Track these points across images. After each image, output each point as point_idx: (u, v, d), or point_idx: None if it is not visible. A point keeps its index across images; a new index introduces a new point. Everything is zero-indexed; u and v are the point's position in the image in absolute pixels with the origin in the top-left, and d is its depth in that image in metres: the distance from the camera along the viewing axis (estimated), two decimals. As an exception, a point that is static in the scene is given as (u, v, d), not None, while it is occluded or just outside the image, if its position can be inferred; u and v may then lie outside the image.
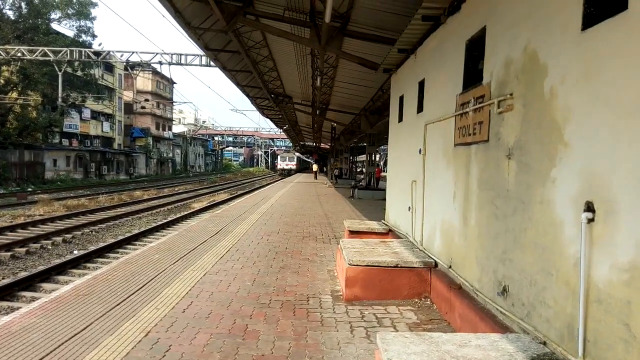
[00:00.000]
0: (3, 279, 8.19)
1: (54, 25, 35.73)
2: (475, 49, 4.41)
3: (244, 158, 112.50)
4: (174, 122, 68.52)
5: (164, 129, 61.97)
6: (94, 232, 13.26)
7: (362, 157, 47.81)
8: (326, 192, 24.29)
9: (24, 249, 10.27)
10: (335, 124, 28.22)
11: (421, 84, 6.41)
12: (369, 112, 18.61)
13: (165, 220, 15.06)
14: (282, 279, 6.02)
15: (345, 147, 38.03)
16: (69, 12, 36.04)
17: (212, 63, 20.95)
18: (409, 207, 6.69)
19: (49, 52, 26.59)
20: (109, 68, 46.26)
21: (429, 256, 5.52)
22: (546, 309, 2.87)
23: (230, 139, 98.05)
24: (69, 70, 33.54)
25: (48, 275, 8.29)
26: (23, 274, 8.32)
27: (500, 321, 3.49)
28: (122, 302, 4.84)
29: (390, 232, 7.81)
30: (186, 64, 25.35)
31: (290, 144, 75.95)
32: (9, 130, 31.72)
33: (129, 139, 52.32)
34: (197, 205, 20.17)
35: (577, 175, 2.58)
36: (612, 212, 2.29)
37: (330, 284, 5.83)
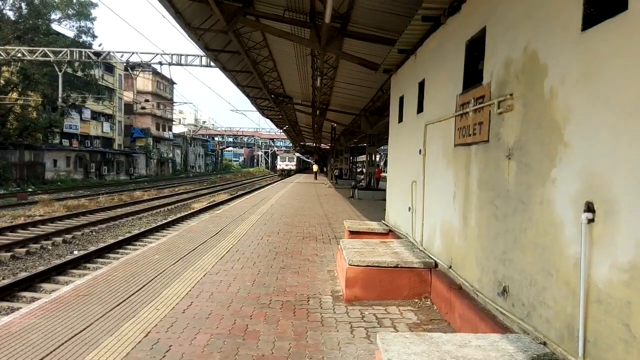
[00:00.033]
0: (3, 279, 8.19)
1: (54, 26, 35.82)
2: (475, 50, 4.41)
3: (244, 158, 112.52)
4: (174, 123, 68.55)
5: (164, 130, 61.99)
6: (94, 233, 13.26)
7: (362, 158, 47.82)
8: (326, 192, 24.29)
9: (24, 250, 10.27)
10: (335, 125, 28.23)
11: (421, 85, 6.41)
12: (369, 113, 18.62)
13: (166, 221, 15.06)
14: (282, 279, 6.02)
15: (346, 147, 38.03)
16: (69, 12, 36.07)
17: (212, 63, 20.96)
18: (409, 208, 6.69)
19: (49, 53, 26.60)
20: (109, 68, 46.30)
21: (429, 256, 5.52)
22: (546, 309, 2.87)
23: (231, 139, 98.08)
24: (69, 70, 33.55)
25: (48, 275, 8.29)
26: (23, 275, 8.33)
27: (500, 321, 3.49)
28: (122, 302, 4.84)
29: (390, 233, 7.81)
30: (186, 65, 25.37)
31: (291, 145, 75.88)
32: (9, 130, 31.74)
33: (129, 140, 52.34)
34: (197, 206, 20.17)
35: (577, 176, 2.58)
36: (612, 212, 2.29)
37: (331, 284, 5.83)
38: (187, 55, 25.32)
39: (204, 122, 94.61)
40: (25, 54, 26.67)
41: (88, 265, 9.29)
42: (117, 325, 4.19)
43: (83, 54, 27.58)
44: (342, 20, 8.85)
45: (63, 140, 39.76)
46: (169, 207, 20.56)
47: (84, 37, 37.29)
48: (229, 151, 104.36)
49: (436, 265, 5.26)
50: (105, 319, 4.32)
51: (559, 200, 2.78)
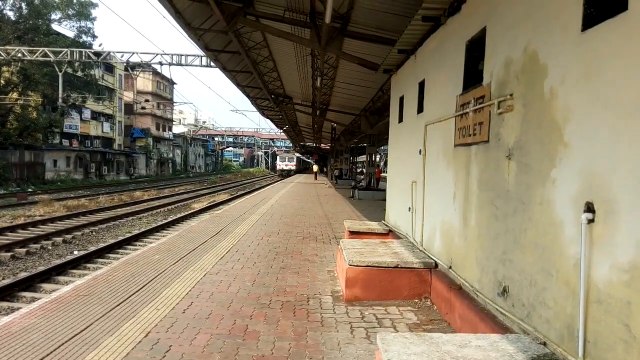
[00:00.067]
0: (3, 279, 8.19)
1: (55, 26, 35.82)
2: (475, 50, 4.41)
3: (244, 158, 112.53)
4: (174, 123, 68.56)
5: (164, 130, 62.01)
6: (94, 233, 13.26)
7: (362, 158, 47.80)
8: (326, 192, 24.29)
9: (24, 250, 10.28)
10: (335, 125, 28.23)
11: (421, 85, 6.42)
12: (369, 113, 18.63)
13: (166, 221, 15.06)
14: (282, 279, 6.02)
15: (346, 147, 38.03)
16: (69, 12, 36.09)
17: (212, 64, 20.97)
18: (409, 208, 6.69)
19: (49, 53, 26.61)
20: (109, 69, 46.31)
21: (429, 257, 5.52)
22: (546, 310, 2.87)
23: (231, 139, 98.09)
24: (70, 70, 33.56)
25: (48, 275, 8.29)
26: (23, 275, 8.33)
27: (500, 322, 3.49)
28: (122, 302, 4.84)
29: (390, 233, 7.81)
30: (186, 65, 25.36)
31: (291, 145, 75.85)
32: (10, 130, 31.75)
33: (129, 140, 52.35)
34: (197, 206, 20.17)
35: (577, 176, 2.58)
36: (612, 213, 2.29)
37: (331, 285, 5.83)
38: (187, 56, 25.33)
39: (204, 122, 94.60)
40: (26, 54, 26.68)
41: (88, 265, 9.30)
42: (117, 325, 4.19)
43: (83, 54, 27.58)
44: (342, 20, 8.86)
45: (63, 140, 39.77)
46: (169, 207, 20.56)
47: (84, 37, 37.36)
48: (229, 151, 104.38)
49: (436, 265, 5.26)
50: (106, 319, 4.32)
51: (559, 201, 2.78)
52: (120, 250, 10.64)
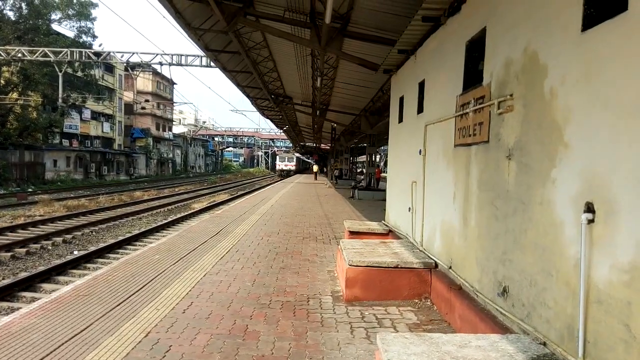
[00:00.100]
0: (3, 279, 8.19)
1: (55, 26, 35.82)
2: (476, 50, 4.41)
3: (244, 159, 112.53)
4: (174, 123, 68.56)
5: (164, 130, 62.00)
6: (94, 233, 13.26)
7: (362, 158, 47.84)
8: (326, 192, 24.29)
9: (24, 250, 10.28)
10: (335, 125, 28.24)
11: (421, 85, 6.42)
12: (369, 113, 18.64)
13: (166, 221, 15.06)
14: (282, 279, 6.02)
15: (346, 147, 38.05)
16: (69, 12, 36.09)
17: (212, 64, 20.97)
18: (409, 208, 6.69)
19: (49, 53, 26.61)
20: (109, 69, 46.31)
21: (429, 257, 5.52)
22: (546, 310, 2.87)
23: (231, 139, 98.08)
24: (70, 70, 33.57)
25: (48, 275, 8.29)
26: (23, 275, 8.33)
27: (500, 322, 3.49)
28: (122, 302, 4.84)
29: (390, 233, 7.81)
30: (186, 65, 25.36)
31: (291, 145, 75.82)
32: (10, 130, 31.75)
33: (129, 140, 52.35)
34: (197, 206, 20.17)
35: (577, 176, 2.58)
36: (612, 213, 2.29)
37: (331, 285, 5.83)
38: (187, 56, 25.33)
39: (204, 122, 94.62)
40: (26, 54, 26.68)
41: (88, 265, 9.30)
42: (117, 325, 4.19)
43: (83, 54, 27.58)
44: (342, 20, 8.86)
45: (63, 140, 39.77)
46: (169, 207, 20.56)
47: (84, 37, 37.36)
48: (229, 151, 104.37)
49: (436, 265, 5.26)
50: (106, 319, 4.32)
51: (559, 201, 2.78)
52: (120, 251, 10.64)
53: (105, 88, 45.20)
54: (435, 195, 5.60)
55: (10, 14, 33.11)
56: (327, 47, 9.43)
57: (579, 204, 2.54)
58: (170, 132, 64.72)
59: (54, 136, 37.82)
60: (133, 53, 26.32)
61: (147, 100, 49.91)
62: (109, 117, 47.93)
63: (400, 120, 7.91)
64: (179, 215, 16.66)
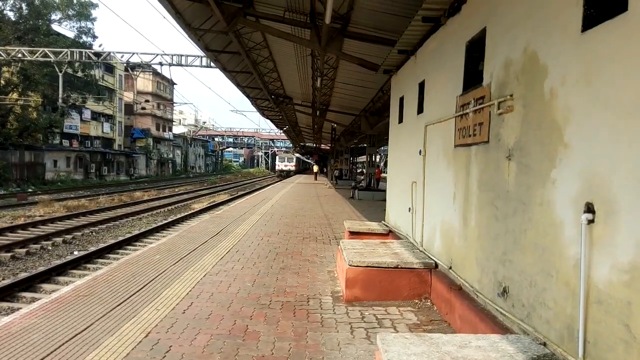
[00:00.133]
0: (3, 279, 8.20)
1: (55, 26, 35.84)
2: (475, 50, 4.41)
3: (244, 159, 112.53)
4: (174, 123, 68.57)
5: (164, 130, 62.02)
6: (94, 233, 13.27)
7: (362, 158, 47.81)
8: (326, 193, 24.29)
9: (24, 250, 10.28)
10: (335, 125, 28.25)
11: (421, 85, 6.42)
12: (369, 113, 18.64)
13: (166, 221, 15.06)
14: (282, 279, 6.02)
15: (346, 148, 38.04)
16: (69, 13, 36.11)
17: (212, 64, 20.97)
18: (409, 208, 6.69)
19: (49, 53, 26.62)
20: (110, 69, 46.33)
21: (429, 257, 5.52)
22: (546, 310, 2.87)
23: (231, 139, 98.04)
24: (70, 71, 33.58)
25: (48, 276, 8.29)
26: (23, 275, 8.32)
27: (500, 322, 3.49)
28: (122, 302, 4.84)
29: (390, 233, 7.81)
30: (186, 65, 25.37)
31: (291, 145, 75.79)
32: (10, 131, 31.75)
33: (129, 140, 52.36)
34: (197, 206, 20.18)
35: (577, 176, 2.58)
36: (612, 213, 2.29)
37: (331, 285, 5.83)
38: (187, 56, 25.33)
39: (204, 122, 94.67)
40: (26, 54, 26.69)
41: (88, 265, 9.30)
42: (117, 325, 4.19)
43: (83, 54, 27.59)
44: (342, 21, 8.86)
45: (63, 140, 39.78)
46: (169, 207, 20.56)
47: (84, 38, 37.37)
48: (229, 152, 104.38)
49: (436, 265, 5.26)
50: (106, 319, 4.33)
51: (559, 201, 2.78)
52: (121, 251, 10.64)
53: (105, 88, 45.20)
54: (436, 195, 5.60)
55: (11, 15, 33.15)
56: (327, 48, 9.44)
57: (579, 204, 2.54)
58: (170, 133, 64.74)
59: (54, 136, 37.83)
60: (133, 53, 26.34)
61: (147, 101, 49.91)
62: (109, 118, 47.94)
63: (401, 120, 7.92)
64: (179, 216, 16.66)
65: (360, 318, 4.64)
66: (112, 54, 28.10)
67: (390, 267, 5.23)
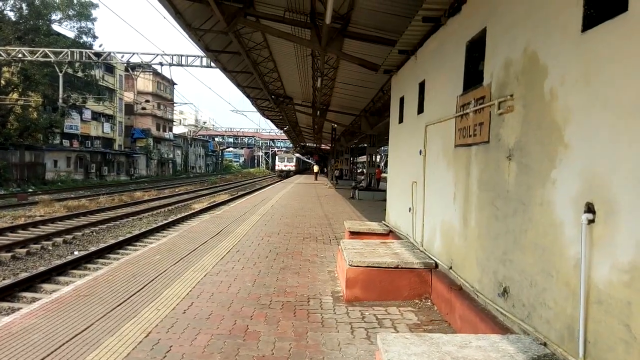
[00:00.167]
0: (4, 279, 8.20)
1: (55, 27, 35.85)
2: (476, 50, 4.41)
3: (245, 159, 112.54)
4: (174, 123, 68.58)
5: (164, 130, 62.03)
6: (94, 233, 13.27)
7: (363, 158, 47.76)
8: (326, 193, 24.29)
9: (25, 250, 10.29)
10: (335, 125, 28.25)
11: (421, 85, 6.42)
12: (370, 113, 18.64)
13: (166, 221, 15.06)
14: (282, 279, 6.02)
15: (346, 148, 38.03)
16: (69, 13, 36.11)
17: (212, 64, 21.00)
18: (410, 208, 6.69)
19: (49, 53, 26.63)
20: (110, 69, 46.34)
21: (429, 257, 5.52)
22: (546, 310, 2.87)
23: (231, 139, 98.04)
24: (70, 71, 33.59)
25: (49, 276, 8.30)
26: (24, 275, 8.33)
27: (500, 322, 3.49)
28: (122, 302, 4.85)
29: (390, 233, 7.81)
30: (187, 65, 25.38)
31: (291, 145, 75.77)
32: (10, 131, 31.77)
33: (129, 140, 52.38)
34: (197, 206, 20.18)
35: (578, 176, 2.58)
36: (612, 213, 2.30)
37: (331, 285, 5.83)
38: (187, 56, 25.34)
39: (205, 122, 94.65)
40: (26, 54, 26.71)
41: (89, 265, 9.30)
42: (117, 325, 4.19)
43: (83, 54, 27.61)
44: (342, 21, 8.87)
45: (63, 140, 39.79)
46: (170, 207, 20.57)
47: (84, 38, 37.37)
48: (229, 152, 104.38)
49: (436, 265, 5.27)
50: (106, 319, 4.33)
51: (559, 201, 2.78)
52: (121, 251, 10.65)
53: (105, 88, 45.22)
54: (436, 195, 5.60)
55: (11, 15, 33.17)
56: (328, 48, 9.44)
57: (579, 204, 2.54)
58: (170, 133, 64.75)
59: (54, 136, 37.85)
60: (133, 53, 26.35)
61: (147, 101, 49.92)
62: (110, 118, 47.96)
63: (401, 120, 7.92)
64: (179, 216, 16.66)
65: (361, 318, 4.64)
66: (112, 54, 28.12)
67: (391, 267, 5.23)
